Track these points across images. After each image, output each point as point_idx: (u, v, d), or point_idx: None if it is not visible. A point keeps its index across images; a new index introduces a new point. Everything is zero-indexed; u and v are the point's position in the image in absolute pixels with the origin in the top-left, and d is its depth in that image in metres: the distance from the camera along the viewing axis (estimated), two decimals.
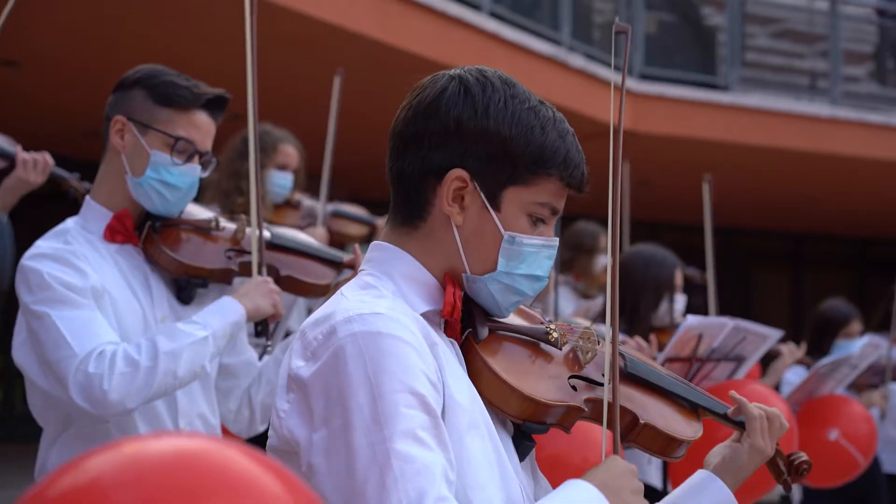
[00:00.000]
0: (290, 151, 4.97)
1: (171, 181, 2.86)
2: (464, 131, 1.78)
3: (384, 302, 1.71)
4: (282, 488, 0.94)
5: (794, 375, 5.46)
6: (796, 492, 6.27)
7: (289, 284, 3.12)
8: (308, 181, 5.22)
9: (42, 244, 2.79)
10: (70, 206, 3.44)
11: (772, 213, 16.38)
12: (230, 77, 3.83)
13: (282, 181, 4.90)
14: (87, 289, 2.71)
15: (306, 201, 5.15)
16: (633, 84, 11.55)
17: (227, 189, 4.73)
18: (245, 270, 2.98)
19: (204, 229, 2.99)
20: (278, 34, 8.43)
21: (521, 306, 1.98)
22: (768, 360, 5.26)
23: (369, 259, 1.85)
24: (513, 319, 1.92)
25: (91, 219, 2.89)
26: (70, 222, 2.90)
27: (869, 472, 5.84)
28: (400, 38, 8.67)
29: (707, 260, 5.39)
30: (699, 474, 2.03)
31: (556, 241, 1.87)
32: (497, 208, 1.79)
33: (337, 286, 2.55)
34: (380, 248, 1.84)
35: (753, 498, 3.64)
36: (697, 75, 12.57)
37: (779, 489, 5.25)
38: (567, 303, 5.95)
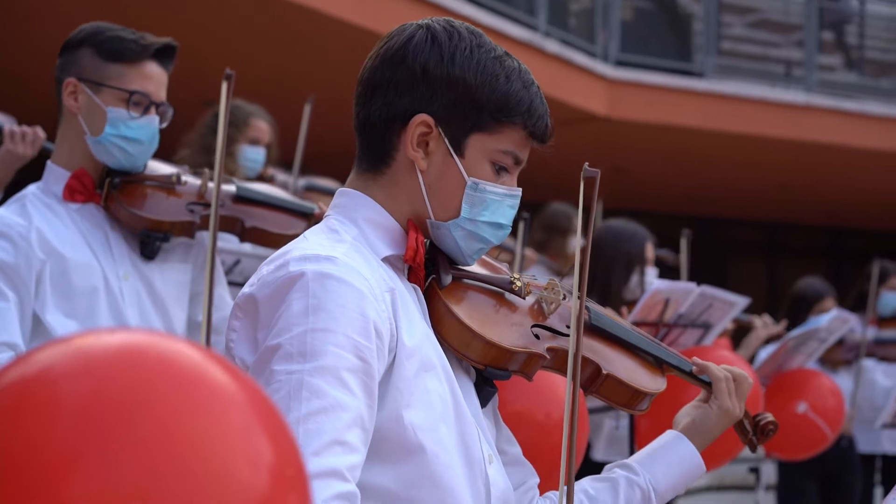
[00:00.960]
0: (262, 126, 4.96)
1: (131, 135, 2.85)
2: (430, 78, 1.78)
3: (342, 247, 1.72)
4: (229, 379, 0.96)
5: (767, 352, 5.51)
6: (771, 472, 6.32)
7: (255, 235, 3.12)
8: (284, 168, 5.23)
9: None
10: None
11: (747, 201, 16.44)
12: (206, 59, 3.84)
13: (254, 155, 4.90)
14: (19, 268, 2.71)
15: (279, 175, 5.15)
16: (608, 70, 11.58)
17: (198, 164, 4.74)
18: (207, 224, 2.97)
19: (166, 184, 2.99)
20: (258, 19, 8.46)
21: (487, 259, 2.00)
22: (743, 335, 5.30)
23: (334, 205, 1.86)
24: (478, 270, 1.93)
25: (52, 181, 2.88)
26: (31, 187, 2.89)
27: (843, 451, 5.91)
28: (377, 23, 8.65)
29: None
30: (668, 434, 2.06)
31: (518, 192, 1.87)
32: (461, 154, 1.80)
33: None
34: (345, 195, 1.85)
35: (718, 463, 3.67)
36: (673, 62, 12.60)
37: (749, 465, 5.29)
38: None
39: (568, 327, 1.92)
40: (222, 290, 3.07)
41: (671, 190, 15.40)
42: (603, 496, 1.95)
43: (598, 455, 4.08)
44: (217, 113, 4.82)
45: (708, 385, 2.07)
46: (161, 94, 2.91)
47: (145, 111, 2.87)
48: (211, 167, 4.71)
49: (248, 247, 3.82)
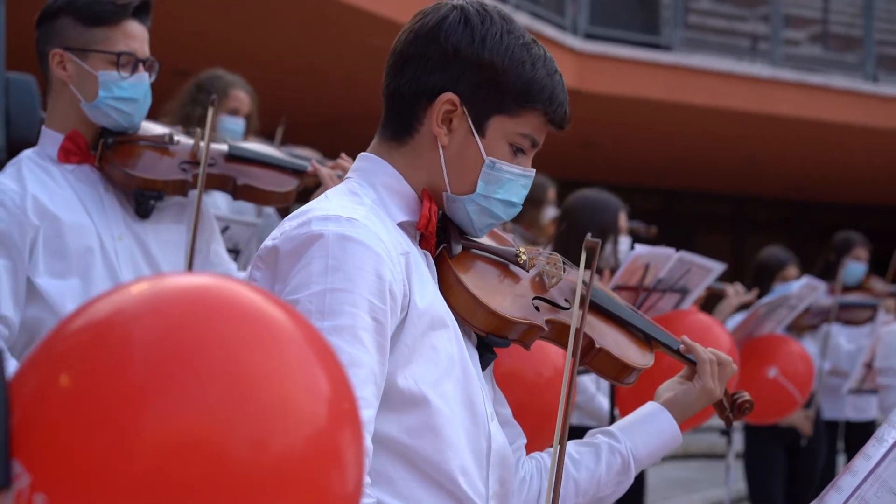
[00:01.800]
0: (242, 96, 5.00)
1: (125, 95, 2.90)
2: (460, 58, 1.86)
3: (361, 210, 1.79)
4: (288, 318, 1.04)
5: (737, 318, 5.63)
6: (739, 441, 6.46)
7: (247, 193, 3.17)
8: (265, 139, 5.30)
9: None
10: None
11: (713, 175, 16.59)
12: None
13: (233, 126, 4.94)
14: (12, 235, 2.76)
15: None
16: (577, 43, 11.67)
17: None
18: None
19: (159, 144, 3.04)
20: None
21: (495, 230, 2.08)
22: (714, 303, 5.43)
23: (356, 168, 1.93)
24: (485, 241, 2.02)
25: (47, 145, 2.92)
26: (26, 151, 2.93)
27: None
28: None
29: None
30: (650, 405, 2.15)
31: (532, 172, 1.95)
32: (482, 134, 1.88)
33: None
34: (366, 159, 1.93)
35: (691, 426, 3.78)
36: (641, 36, 12.71)
37: (720, 430, 5.40)
38: None
39: (567, 301, 2.01)
40: (219, 248, 3.13)
41: (639, 163, 15.53)
42: (586, 460, 2.06)
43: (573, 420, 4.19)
44: (198, 82, 4.88)
45: (693, 363, 2.16)
46: (145, 49, 2.97)
47: (134, 69, 2.92)
48: (190, 137, 4.78)
49: (241, 212, 3.90)
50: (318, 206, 1.80)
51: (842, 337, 6.33)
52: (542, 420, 2.68)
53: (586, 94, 11.58)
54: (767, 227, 19.06)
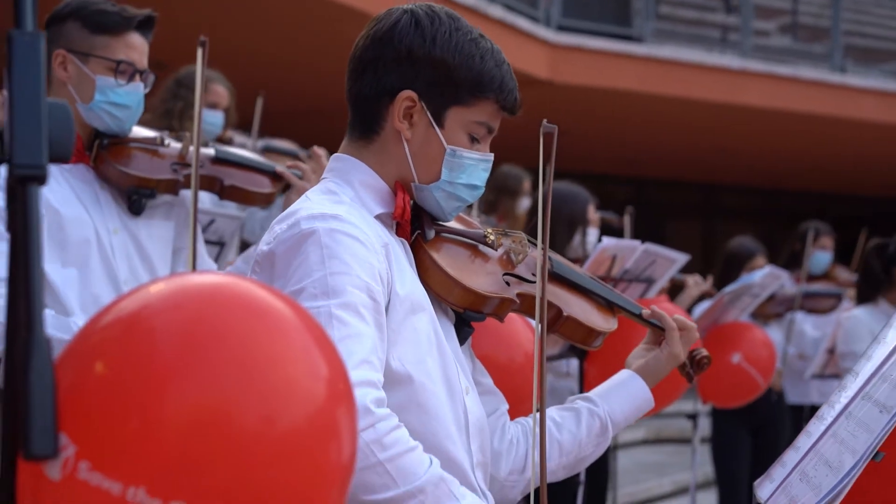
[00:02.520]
0: (220, 90, 5.15)
1: (119, 101, 3.05)
2: (414, 58, 2.02)
3: (342, 207, 1.95)
4: (291, 311, 1.20)
5: (703, 306, 5.80)
6: (706, 427, 6.64)
7: (233, 194, 3.36)
8: (242, 130, 5.43)
9: None
10: None
11: (684, 164, 16.73)
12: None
13: (213, 119, 5.09)
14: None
15: (238, 138, 5.35)
16: (550, 35, 11.76)
17: (160, 128, 4.93)
18: (189, 182, 3.19)
19: (151, 146, 3.20)
20: None
21: (463, 216, 2.25)
22: (676, 293, 5.59)
23: (331, 168, 2.09)
24: (455, 225, 2.18)
25: None
26: None
27: (773, 402, 6.22)
28: None
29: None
30: (623, 373, 2.33)
31: (491, 157, 2.11)
32: (441, 125, 2.04)
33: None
34: (340, 160, 2.09)
35: (661, 406, 3.95)
36: (613, 27, 12.82)
37: (686, 413, 5.57)
38: None
39: (534, 275, 2.18)
40: (200, 247, 3.30)
41: (611, 152, 15.65)
42: (568, 423, 2.23)
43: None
44: (178, 78, 5.02)
45: (656, 327, 2.34)
46: (143, 61, 3.12)
47: (131, 78, 3.08)
48: (171, 130, 4.92)
49: (225, 208, 4.05)
50: (303, 207, 1.95)
51: (807, 324, 6.50)
52: (514, 402, 2.85)
53: (559, 85, 11.70)
54: (737, 214, 19.21)
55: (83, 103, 3.06)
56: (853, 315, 5.27)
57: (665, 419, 11.82)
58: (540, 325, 2.03)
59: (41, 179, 1.13)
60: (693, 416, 5.52)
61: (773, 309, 6.18)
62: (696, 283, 5.38)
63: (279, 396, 1.15)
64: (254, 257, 1.98)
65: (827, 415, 1.94)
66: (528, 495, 2.17)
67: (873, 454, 1.70)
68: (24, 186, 1.12)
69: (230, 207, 4.58)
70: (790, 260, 6.93)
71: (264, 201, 3.43)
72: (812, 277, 6.90)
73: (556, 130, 2.04)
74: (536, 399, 2.00)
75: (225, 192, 3.33)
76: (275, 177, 3.45)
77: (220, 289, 1.20)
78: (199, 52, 3.16)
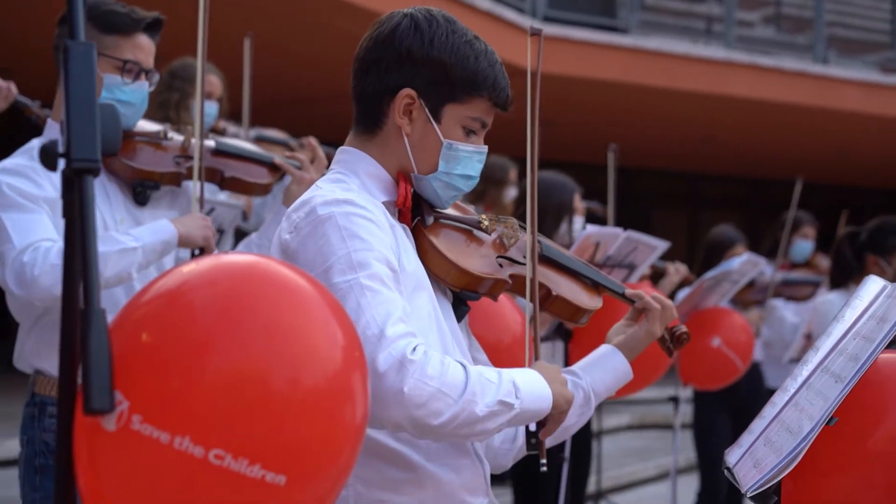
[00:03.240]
0: (214, 81, 5.30)
1: (125, 98, 3.20)
2: (413, 58, 2.18)
3: (352, 193, 2.11)
4: (312, 287, 1.37)
5: (684, 292, 5.98)
6: (687, 412, 6.81)
7: (233, 184, 3.52)
8: (234, 121, 5.57)
9: (8, 161, 3.14)
10: (32, 130, 3.78)
11: (670, 153, 16.87)
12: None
13: (208, 110, 5.25)
14: (41, 198, 3.05)
15: (231, 128, 5.50)
16: (536, 26, 11.92)
17: (155, 119, 5.08)
18: (191, 174, 3.35)
19: (154, 139, 3.36)
20: None
21: (459, 203, 2.42)
22: (659, 280, 5.77)
23: (338, 160, 2.26)
24: (452, 212, 2.35)
25: (53, 136, 3.23)
26: (35, 142, 3.23)
27: (753, 385, 6.39)
28: None
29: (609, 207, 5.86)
30: (604, 348, 2.49)
31: (485, 149, 2.28)
32: (438, 121, 2.20)
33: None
34: (346, 152, 2.25)
35: (648, 381, 4.14)
36: (599, 19, 12.97)
37: (668, 395, 5.72)
38: None
39: (525, 257, 2.35)
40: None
41: (597, 141, 15.77)
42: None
43: None
44: (172, 70, 5.16)
45: (631, 301, 2.51)
46: (150, 61, 3.27)
47: (136, 77, 3.22)
48: (168, 121, 5.07)
49: (221, 196, 4.21)
50: (317, 195, 2.11)
51: (787, 311, 6.68)
52: None
53: (545, 75, 11.81)
54: (722, 203, 19.39)
55: None
56: (826, 300, 5.45)
57: (649, 405, 12.03)
58: (532, 303, 2.21)
59: (95, 171, 1.30)
60: (674, 399, 5.71)
61: (752, 296, 6.36)
62: (676, 270, 5.55)
63: (302, 362, 1.32)
64: (278, 244, 2.12)
65: (790, 387, 2.12)
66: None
67: (828, 419, 1.88)
68: (81, 177, 1.29)
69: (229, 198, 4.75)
70: (773, 248, 7.10)
71: (262, 191, 3.59)
72: (794, 265, 7.09)
73: (541, 32, 2.32)
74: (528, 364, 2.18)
75: (225, 182, 3.49)
76: (273, 167, 3.60)
77: (250, 267, 1.37)
78: (247, 43, 3.27)
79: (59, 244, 3.01)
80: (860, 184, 18.95)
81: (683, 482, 7.40)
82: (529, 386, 2.11)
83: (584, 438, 5.27)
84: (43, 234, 3.00)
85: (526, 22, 11.76)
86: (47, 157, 1.30)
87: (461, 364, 2.00)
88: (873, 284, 2.18)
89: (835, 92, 13.81)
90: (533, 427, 2.24)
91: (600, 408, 8.59)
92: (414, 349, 1.92)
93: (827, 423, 1.89)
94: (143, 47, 3.25)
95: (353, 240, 2.01)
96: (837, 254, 5.23)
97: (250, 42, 5.58)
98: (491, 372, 2.06)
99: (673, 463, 5.85)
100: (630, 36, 12.84)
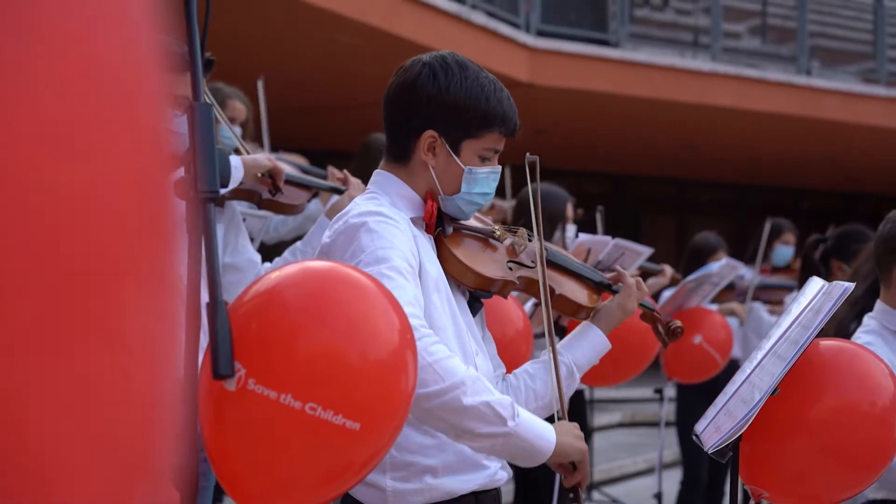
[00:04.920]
0: (238, 106, 5.71)
1: (175, 129, 3.66)
2: (433, 104, 2.57)
3: (382, 207, 2.53)
4: (375, 285, 1.83)
5: (668, 293, 6.47)
6: (672, 409, 7.27)
7: (270, 205, 3.88)
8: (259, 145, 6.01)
9: None
10: None
11: (658, 161, 17.30)
12: None
13: (229, 134, 5.68)
14: None
15: (253, 153, 5.92)
16: (530, 40, 12.32)
17: None
18: (235, 195, 3.76)
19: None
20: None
21: (478, 214, 2.82)
22: (645, 279, 6.24)
23: (374, 181, 2.66)
24: (472, 222, 2.76)
25: None
26: None
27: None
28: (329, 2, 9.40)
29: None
30: (582, 325, 2.87)
31: (499, 168, 2.67)
32: (458, 154, 2.60)
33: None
34: (380, 175, 2.66)
35: (638, 369, 4.59)
36: (590, 32, 13.38)
37: (654, 387, 6.18)
38: None
39: (533, 262, 2.77)
40: (245, 240, 3.88)
41: (588, 149, 16.22)
42: (540, 374, 2.78)
43: None
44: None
45: (615, 293, 2.90)
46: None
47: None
48: None
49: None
50: (353, 208, 2.52)
51: (764, 312, 7.13)
52: (507, 369, 3.48)
53: (539, 87, 12.24)
54: (709, 208, 19.83)
55: None
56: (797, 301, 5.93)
57: (638, 404, 12.49)
58: (544, 299, 2.67)
59: (216, 200, 1.75)
60: (659, 391, 6.17)
61: (732, 299, 6.83)
62: (663, 272, 6.03)
63: (370, 341, 1.77)
64: (311, 251, 2.56)
65: (747, 368, 2.58)
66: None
67: (773, 391, 2.34)
68: (205, 205, 1.75)
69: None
70: (755, 253, 7.56)
71: (295, 212, 3.98)
72: (776, 270, 7.54)
73: (538, 160, 2.67)
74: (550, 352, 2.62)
75: (263, 203, 3.86)
76: (309, 188, 3.99)
77: (328, 271, 1.83)
78: (260, 85, 3.69)
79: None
80: (846, 189, 19.37)
81: (670, 475, 7.84)
82: (533, 421, 2.34)
83: (580, 422, 5.72)
84: None
85: (520, 37, 12.17)
86: (180, 188, 1.75)
87: (470, 367, 2.34)
88: (815, 284, 2.64)
89: (817, 102, 14.22)
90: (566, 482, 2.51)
91: (592, 406, 9.07)
92: (418, 330, 2.21)
93: (772, 394, 2.36)
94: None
95: (379, 240, 2.40)
96: (805, 259, 5.67)
97: (262, 84, 5.97)
98: (496, 391, 2.33)
99: (659, 450, 6.30)
100: (620, 49, 13.25)
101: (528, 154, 2.70)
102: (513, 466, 3.65)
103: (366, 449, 1.77)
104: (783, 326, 2.58)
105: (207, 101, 1.78)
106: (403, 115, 2.63)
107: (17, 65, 0.72)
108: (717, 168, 17.77)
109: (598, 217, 6.25)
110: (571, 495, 2.55)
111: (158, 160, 0.78)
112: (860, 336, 3.17)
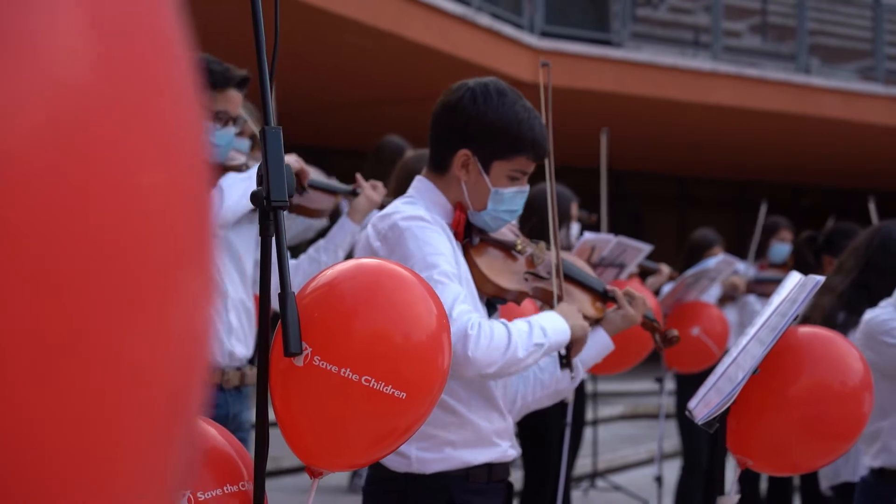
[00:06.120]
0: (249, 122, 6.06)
1: (215, 141, 3.94)
2: (472, 126, 2.86)
3: (421, 211, 2.83)
4: (413, 276, 2.17)
5: (668, 287, 6.83)
6: (671, 403, 7.61)
7: (299, 210, 4.20)
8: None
9: None
10: None
11: (660, 159, 17.58)
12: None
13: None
14: None
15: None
16: (534, 40, 12.59)
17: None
18: None
19: (237, 171, 4.12)
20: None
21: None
22: (645, 277, 6.60)
23: (414, 187, 2.96)
24: (496, 234, 3.03)
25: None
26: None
27: None
28: (323, 1, 9.60)
29: (602, 200, 6.67)
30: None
31: (526, 188, 2.95)
32: (488, 173, 2.89)
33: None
34: (421, 181, 2.97)
35: (631, 364, 4.94)
36: (593, 33, 13.66)
37: (655, 376, 6.52)
38: None
39: (548, 274, 3.07)
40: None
41: (591, 148, 16.48)
42: (548, 367, 3.11)
43: None
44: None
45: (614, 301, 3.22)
46: (237, 110, 3.99)
47: (225, 124, 3.98)
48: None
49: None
50: (395, 211, 2.83)
51: (759, 305, 7.47)
52: None
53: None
54: (711, 205, 20.09)
55: None
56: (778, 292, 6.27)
57: (640, 397, 12.83)
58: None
59: (285, 208, 2.10)
60: (660, 380, 6.52)
61: (728, 293, 7.20)
62: (660, 271, 6.39)
63: (413, 325, 2.12)
64: (367, 248, 2.83)
65: (734, 352, 2.93)
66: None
67: (754, 370, 2.70)
68: (276, 212, 2.10)
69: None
70: (757, 245, 7.89)
71: (320, 216, 4.29)
72: (773, 266, 7.88)
73: (549, 65, 3.04)
74: None
75: (292, 209, 4.14)
76: (336, 194, 4.30)
77: (376, 266, 2.18)
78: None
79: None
80: (847, 186, 19.62)
81: (671, 466, 8.17)
82: (552, 324, 2.83)
83: (580, 412, 6.12)
84: None
85: (524, 37, 12.46)
86: (255, 199, 2.10)
87: (503, 324, 2.74)
88: (794, 277, 2.99)
89: (816, 100, 14.40)
90: (563, 351, 2.96)
91: (596, 399, 9.42)
92: (472, 324, 2.65)
93: (753, 374, 2.71)
94: (232, 100, 3.97)
95: (426, 246, 2.73)
96: (798, 255, 6.01)
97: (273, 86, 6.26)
98: (523, 323, 2.77)
99: (660, 433, 6.64)
100: (622, 49, 13.51)
101: (541, 59, 3.03)
102: (522, 456, 3.99)
103: (409, 416, 2.12)
104: (765, 315, 2.94)
105: (277, 125, 2.11)
106: (444, 131, 2.93)
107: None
108: (719, 165, 18.01)
109: (603, 139, 6.55)
110: (563, 360, 3.00)
111: (206, 168, 0.83)
112: (882, 309, 3.61)
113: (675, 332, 3.31)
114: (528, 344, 2.76)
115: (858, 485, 3.81)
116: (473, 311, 2.73)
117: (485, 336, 2.67)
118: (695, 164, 17.95)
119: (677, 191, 19.88)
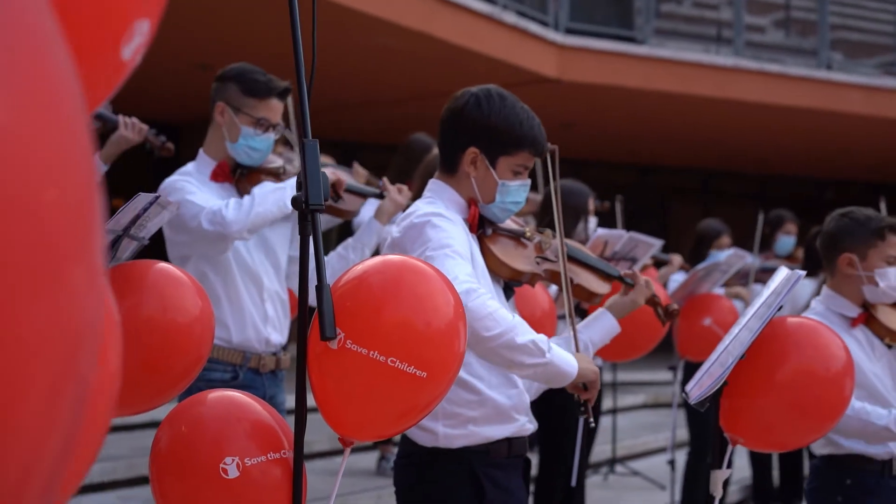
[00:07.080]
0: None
1: (255, 146, 4.20)
2: (478, 127, 3.18)
3: (442, 209, 3.11)
4: (433, 271, 2.47)
5: (679, 276, 7.11)
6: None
7: (328, 209, 4.49)
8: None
9: (177, 175, 4.21)
10: (147, 155, 4.85)
11: (684, 152, 17.68)
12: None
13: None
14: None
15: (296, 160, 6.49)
16: (559, 37, 12.73)
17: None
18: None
19: (274, 174, 4.36)
20: None
21: (513, 216, 3.38)
22: (658, 267, 6.88)
23: (430, 189, 3.25)
24: (506, 224, 3.32)
25: (203, 165, 4.30)
26: (189, 166, 4.28)
27: None
28: (353, 1, 9.83)
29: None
30: (599, 311, 3.46)
31: (528, 181, 3.25)
32: (495, 168, 3.19)
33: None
34: (436, 184, 3.26)
35: (643, 351, 5.23)
36: (616, 30, 13.81)
37: (669, 364, 6.80)
38: None
39: (556, 257, 3.36)
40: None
41: (615, 142, 16.66)
42: (563, 347, 3.27)
43: None
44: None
45: (628, 285, 3.49)
46: (278, 118, 4.25)
47: (265, 130, 4.23)
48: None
49: None
50: (416, 209, 3.12)
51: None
52: None
53: (567, 83, 12.64)
54: (734, 198, 20.23)
55: (230, 142, 4.20)
56: (800, 283, 6.52)
57: (661, 386, 13.09)
58: (566, 288, 3.30)
59: (321, 210, 2.40)
60: (673, 368, 6.81)
61: (738, 282, 7.46)
62: (671, 261, 6.69)
63: (433, 313, 2.42)
64: (360, 246, 3.12)
65: (727, 339, 3.22)
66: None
67: (741, 356, 2.99)
68: (313, 214, 2.40)
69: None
70: (761, 242, 8.14)
71: (349, 216, 4.57)
72: (778, 258, 8.13)
73: (556, 149, 3.28)
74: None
75: (327, 210, 4.34)
76: (364, 196, 4.56)
77: (402, 262, 2.48)
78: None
79: (231, 201, 4.08)
80: (867, 179, 19.70)
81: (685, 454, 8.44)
82: (562, 353, 2.96)
83: (597, 400, 6.38)
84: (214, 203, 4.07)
85: (549, 35, 12.61)
86: (295, 203, 2.40)
87: (514, 314, 2.97)
88: (783, 272, 3.28)
89: (838, 95, 14.44)
90: (580, 398, 3.14)
91: (616, 388, 9.69)
92: (477, 290, 2.85)
93: (741, 359, 3.00)
94: (273, 108, 4.23)
95: (442, 234, 2.99)
96: (808, 247, 6.26)
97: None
98: (534, 332, 2.92)
99: (673, 419, 6.92)
100: (646, 45, 13.61)
101: (548, 144, 3.28)
102: (538, 441, 4.21)
103: (428, 394, 2.43)
104: (756, 306, 3.23)
105: (312, 139, 2.39)
106: (453, 134, 3.23)
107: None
108: (741, 159, 18.15)
109: (618, 207, 6.90)
110: (582, 408, 3.17)
111: (94, 185, 0.97)
112: (808, 317, 3.77)
113: (675, 305, 3.59)
114: (528, 337, 2.89)
115: (811, 468, 4.07)
116: (479, 284, 2.93)
117: (491, 303, 2.86)
118: (718, 158, 18.08)
119: (701, 184, 20.02)
